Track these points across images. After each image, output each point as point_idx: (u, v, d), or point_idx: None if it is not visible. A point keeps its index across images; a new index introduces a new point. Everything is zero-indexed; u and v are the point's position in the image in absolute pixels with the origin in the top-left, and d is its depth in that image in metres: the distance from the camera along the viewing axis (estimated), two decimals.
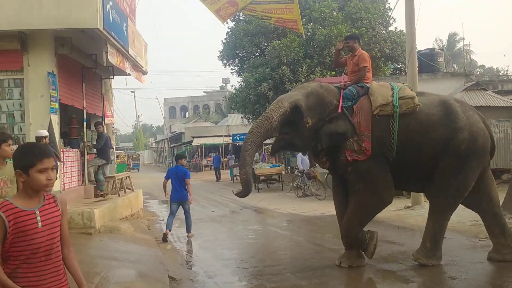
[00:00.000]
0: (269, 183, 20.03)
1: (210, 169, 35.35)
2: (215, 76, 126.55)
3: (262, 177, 19.53)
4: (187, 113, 73.92)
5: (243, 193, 6.39)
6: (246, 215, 12.81)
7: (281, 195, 16.87)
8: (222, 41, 25.23)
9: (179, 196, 9.20)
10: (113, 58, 9.56)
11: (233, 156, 29.13)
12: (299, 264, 6.99)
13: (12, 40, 8.55)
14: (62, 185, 9.22)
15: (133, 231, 9.08)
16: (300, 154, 16.81)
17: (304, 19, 17.70)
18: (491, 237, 6.62)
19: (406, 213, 10.92)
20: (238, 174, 25.43)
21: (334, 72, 20.71)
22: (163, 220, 12.37)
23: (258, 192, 18.64)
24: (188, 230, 9.49)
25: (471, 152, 6.25)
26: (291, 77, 20.12)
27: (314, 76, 19.69)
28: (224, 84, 75.13)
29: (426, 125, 6.30)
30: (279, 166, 20.51)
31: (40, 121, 8.68)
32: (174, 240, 9.41)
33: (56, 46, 9.05)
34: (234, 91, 25.66)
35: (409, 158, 6.31)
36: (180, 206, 9.32)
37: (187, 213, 9.39)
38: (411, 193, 12.22)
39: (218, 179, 26.32)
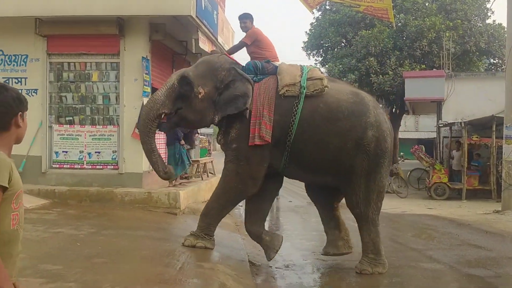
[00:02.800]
0: None
1: None
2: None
3: None
4: None
5: (164, 177, 6.41)
6: None
7: None
8: (306, 31, 25.03)
9: None
10: (203, 45, 9.79)
11: None
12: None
13: (111, 25, 8.98)
14: (149, 166, 9.61)
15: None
16: None
17: (395, 9, 17.05)
18: (327, 229, 6.76)
19: (495, 218, 10.32)
20: None
21: (424, 66, 19.86)
22: (242, 206, 12.59)
23: None
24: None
25: (381, 151, 5.95)
26: (378, 69, 19.54)
27: (403, 69, 18.98)
28: None
29: (335, 111, 5.86)
30: None
31: (133, 104, 9.10)
32: None
33: (150, 32, 9.40)
34: None
35: (313, 146, 5.87)
36: None
37: None
38: (502, 197, 11.50)
39: None
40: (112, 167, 9.31)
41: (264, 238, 6.38)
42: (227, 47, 12.12)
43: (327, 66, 23.24)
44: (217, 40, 10.77)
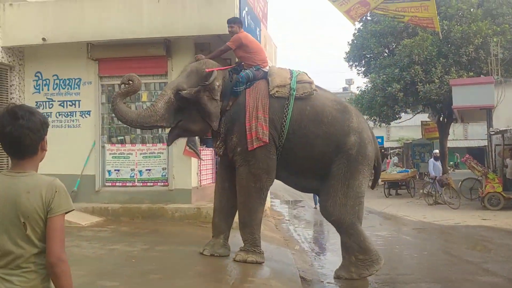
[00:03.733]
0: (397, 189, 19.27)
1: None
2: (338, 78, 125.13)
3: (389, 183, 18.89)
4: None
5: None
6: (372, 221, 12.47)
7: (410, 202, 16.17)
8: (348, 42, 24.99)
9: None
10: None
11: None
12: (434, 274, 6.66)
13: (158, 46, 9.28)
14: (199, 182, 9.80)
15: (263, 229, 9.34)
16: (431, 159, 15.99)
17: (438, 16, 16.72)
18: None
19: None
20: None
21: (472, 73, 19.32)
22: (288, 220, 12.59)
23: (387, 197, 18.14)
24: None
25: (362, 157, 6.06)
26: (423, 78, 19.15)
27: (449, 76, 18.53)
28: (347, 85, 74.08)
29: (320, 114, 6.05)
30: (407, 171, 19.55)
31: None
32: (302, 240, 9.51)
33: (196, 51, 9.61)
34: (359, 92, 25.17)
35: (300, 148, 6.03)
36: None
37: None
38: None
39: None
40: (162, 184, 9.54)
41: (220, 238, 6.39)
42: (270, 63, 12.27)
43: (369, 76, 23.04)
44: None
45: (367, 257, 6.04)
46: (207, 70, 6.01)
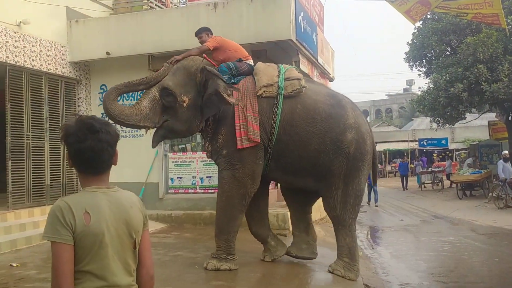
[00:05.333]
0: (471, 190, 18.51)
1: (395, 175, 34.12)
2: (397, 79, 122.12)
3: (463, 184, 18.21)
4: (369, 118, 72.78)
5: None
6: (438, 226, 12.03)
7: (478, 206, 15.44)
8: (408, 42, 24.24)
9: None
10: (304, 66, 9.90)
11: (420, 162, 27.67)
12: (506, 283, 6.32)
13: None
14: None
15: (324, 235, 9.25)
16: (501, 161, 15.21)
17: (503, 12, 15.95)
18: (295, 231, 6.55)
19: None
20: (426, 181, 24.13)
21: None
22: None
23: (461, 199, 17.49)
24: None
25: (361, 154, 5.77)
26: (489, 77, 18.27)
27: None
28: (408, 86, 72.13)
29: (312, 112, 5.71)
30: (481, 172, 18.66)
31: None
32: (364, 247, 9.31)
33: (253, 58, 9.68)
34: (421, 93, 24.38)
35: (293, 147, 5.69)
36: None
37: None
38: None
39: (405, 187, 24.19)
40: None
41: (269, 242, 6.35)
42: (327, 68, 12.19)
43: (431, 76, 22.29)
44: (317, 61, 10.84)
45: (352, 263, 5.84)
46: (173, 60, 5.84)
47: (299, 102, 5.75)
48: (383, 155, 37.13)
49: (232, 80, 5.89)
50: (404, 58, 24.51)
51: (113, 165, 2.04)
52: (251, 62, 6.17)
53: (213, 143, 5.83)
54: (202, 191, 9.82)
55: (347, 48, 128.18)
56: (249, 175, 5.73)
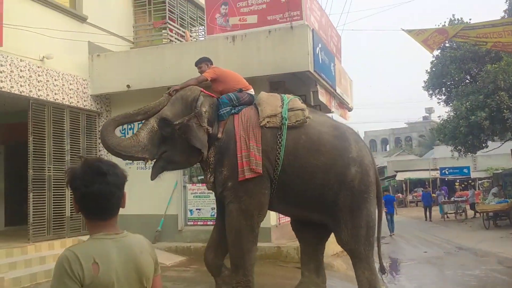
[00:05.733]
0: (495, 221, 18.04)
1: (416, 205, 33.52)
2: (416, 106, 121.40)
3: (489, 214, 17.78)
4: (388, 146, 72.20)
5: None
6: (463, 258, 11.68)
7: (504, 237, 14.99)
8: (426, 70, 24.22)
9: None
10: (322, 97, 9.90)
11: (442, 191, 27.17)
12: None
13: None
14: (278, 220, 9.74)
15: (346, 269, 9.04)
16: None
17: None
18: (304, 270, 6.22)
19: None
20: (449, 211, 23.58)
21: None
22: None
23: (487, 229, 17.04)
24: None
25: (365, 186, 5.67)
26: (511, 104, 18.04)
27: None
28: (427, 114, 71.65)
29: (317, 143, 5.59)
30: (507, 201, 18.20)
31: None
32: (388, 280, 9.06)
33: (271, 89, 9.74)
34: (441, 121, 24.14)
35: (298, 180, 5.53)
36: None
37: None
38: None
39: (428, 218, 23.13)
40: None
41: (223, 271, 6.01)
42: (346, 97, 12.16)
43: (451, 104, 22.09)
44: (335, 91, 10.83)
45: None
46: (171, 90, 5.77)
47: (303, 133, 5.64)
48: (404, 184, 36.59)
49: (233, 111, 5.80)
50: (423, 87, 24.45)
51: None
52: (251, 92, 6.11)
53: (217, 174, 5.69)
54: None
55: (365, 77, 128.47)
56: (256, 205, 5.60)
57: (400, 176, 36.72)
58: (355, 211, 5.64)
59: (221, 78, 6.06)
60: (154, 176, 5.83)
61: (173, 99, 5.78)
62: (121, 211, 2.00)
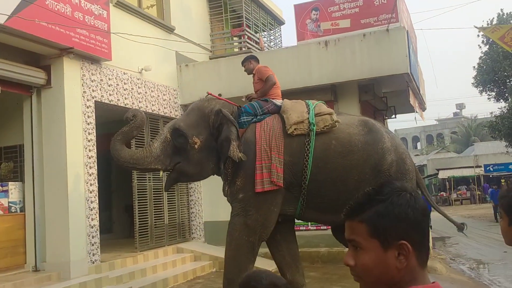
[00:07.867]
0: None
1: (461, 203, 33.06)
2: (446, 103, 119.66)
3: None
4: (419, 144, 71.30)
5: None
6: None
7: None
8: (474, 66, 23.96)
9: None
10: (411, 99, 9.84)
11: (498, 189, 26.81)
12: None
13: (326, 92, 9.51)
14: None
15: (446, 272, 8.96)
16: None
17: None
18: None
19: None
20: None
21: None
22: (454, 259, 11.94)
23: None
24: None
25: (402, 175, 5.49)
26: None
27: None
28: (458, 110, 70.58)
29: (348, 145, 5.41)
30: None
31: None
32: (488, 282, 8.93)
33: (359, 93, 9.74)
34: (494, 118, 23.80)
35: (331, 185, 5.33)
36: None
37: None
38: None
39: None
40: None
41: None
42: (423, 97, 12.07)
43: (509, 101, 21.76)
44: (419, 91, 10.76)
45: None
46: (208, 92, 5.81)
47: (333, 138, 5.45)
48: (447, 183, 36.10)
49: (254, 119, 5.64)
50: (472, 83, 24.16)
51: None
52: (278, 102, 5.88)
53: (231, 185, 5.53)
54: (314, 227, 9.73)
55: None
56: (262, 222, 5.39)
57: (442, 174, 36.20)
58: None
59: (264, 77, 6.05)
60: (167, 187, 5.88)
61: (189, 109, 5.81)
62: None
